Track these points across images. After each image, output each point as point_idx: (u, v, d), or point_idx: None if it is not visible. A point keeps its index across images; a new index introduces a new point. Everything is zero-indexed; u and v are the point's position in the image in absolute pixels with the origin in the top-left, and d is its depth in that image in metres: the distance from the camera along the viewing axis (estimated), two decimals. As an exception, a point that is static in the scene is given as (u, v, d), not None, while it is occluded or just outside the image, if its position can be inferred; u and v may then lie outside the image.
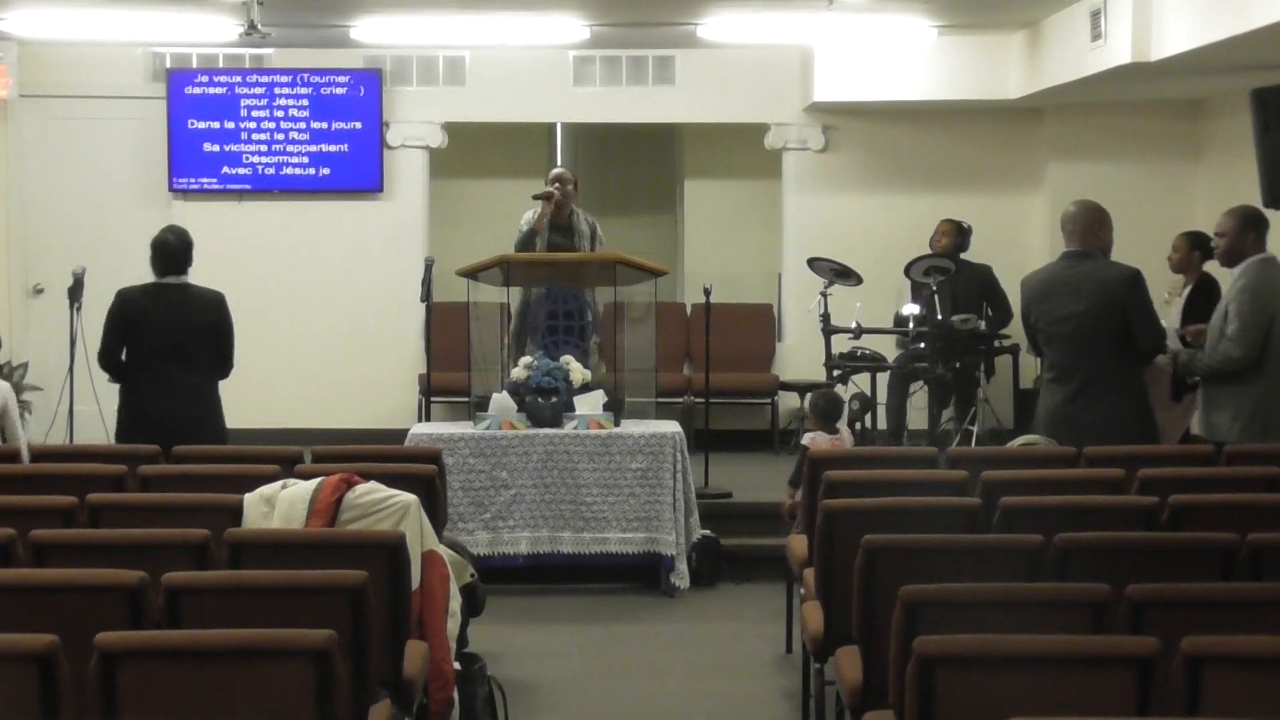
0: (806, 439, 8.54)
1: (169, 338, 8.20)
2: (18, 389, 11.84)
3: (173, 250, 8.36)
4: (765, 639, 8.10)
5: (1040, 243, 12.11)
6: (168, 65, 12.50)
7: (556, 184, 10.14)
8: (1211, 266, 8.83)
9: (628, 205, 14.30)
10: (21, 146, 12.49)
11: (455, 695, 5.91)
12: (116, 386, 8.44)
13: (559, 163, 13.99)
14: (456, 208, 13.52)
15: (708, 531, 9.31)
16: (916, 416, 11.06)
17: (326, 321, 12.59)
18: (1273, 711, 3.87)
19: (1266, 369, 7.61)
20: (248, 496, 5.84)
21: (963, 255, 11.50)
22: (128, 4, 10.53)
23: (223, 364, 8.42)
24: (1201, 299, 8.96)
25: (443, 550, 5.97)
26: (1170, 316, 9.09)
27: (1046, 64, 11.15)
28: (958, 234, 11.52)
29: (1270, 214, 9.08)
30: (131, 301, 8.32)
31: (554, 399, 9.13)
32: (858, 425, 10.42)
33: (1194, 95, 11.96)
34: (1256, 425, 7.60)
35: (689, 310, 12.73)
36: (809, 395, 9.85)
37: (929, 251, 11.23)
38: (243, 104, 12.47)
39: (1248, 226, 7.78)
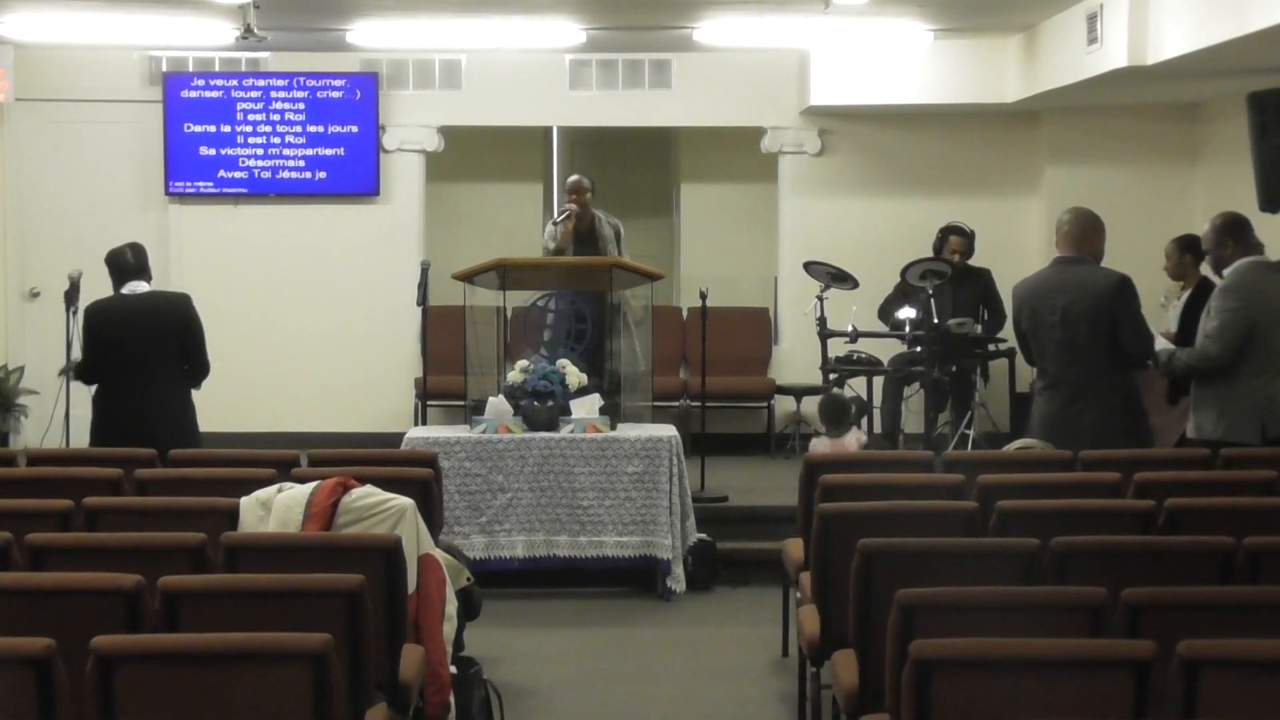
0: (812, 445, 8.66)
1: (138, 345, 8.30)
2: (14, 393, 11.87)
3: (128, 261, 8.50)
4: (761, 643, 8.09)
5: (1037, 247, 12.11)
6: (164, 69, 12.49)
7: (574, 196, 10.18)
8: (1207, 269, 8.85)
9: (624, 209, 14.20)
10: (18, 150, 12.48)
11: (451, 699, 5.91)
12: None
13: (555, 167, 14.02)
14: (453, 211, 13.51)
15: (704, 535, 9.30)
16: (913, 420, 11.06)
17: (322, 325, 12.58)
18: (1270, 715, 3.88)
19: (1251, 369, 7.63)
20: (244, 500, 5.84)
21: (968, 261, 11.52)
22: (124, 7, 10.52)
23: (196, 367, 8.48)
24: (1200, 303, 8.97)
25: (439, 554, 5.97)
26: (1168, 320, 9.10)
27: (1043, 68, 11.15)
28: (968, 245, 11.49)
29: (1272, 218, 9.14)
30: (101, 313, 8.47)
31: (550, 403, 9.13)
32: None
33: (1191, 99, 11.96)
34: (1241, 425, 7.61)
35: (685, 314, 12.73)
36: (819, 399, 9.89)
37: (929, 255, 11.21)
38: (239, 107, 12.47)
39: (1224, 235, 7.84)
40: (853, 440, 9.14)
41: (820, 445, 9.17)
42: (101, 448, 7.90)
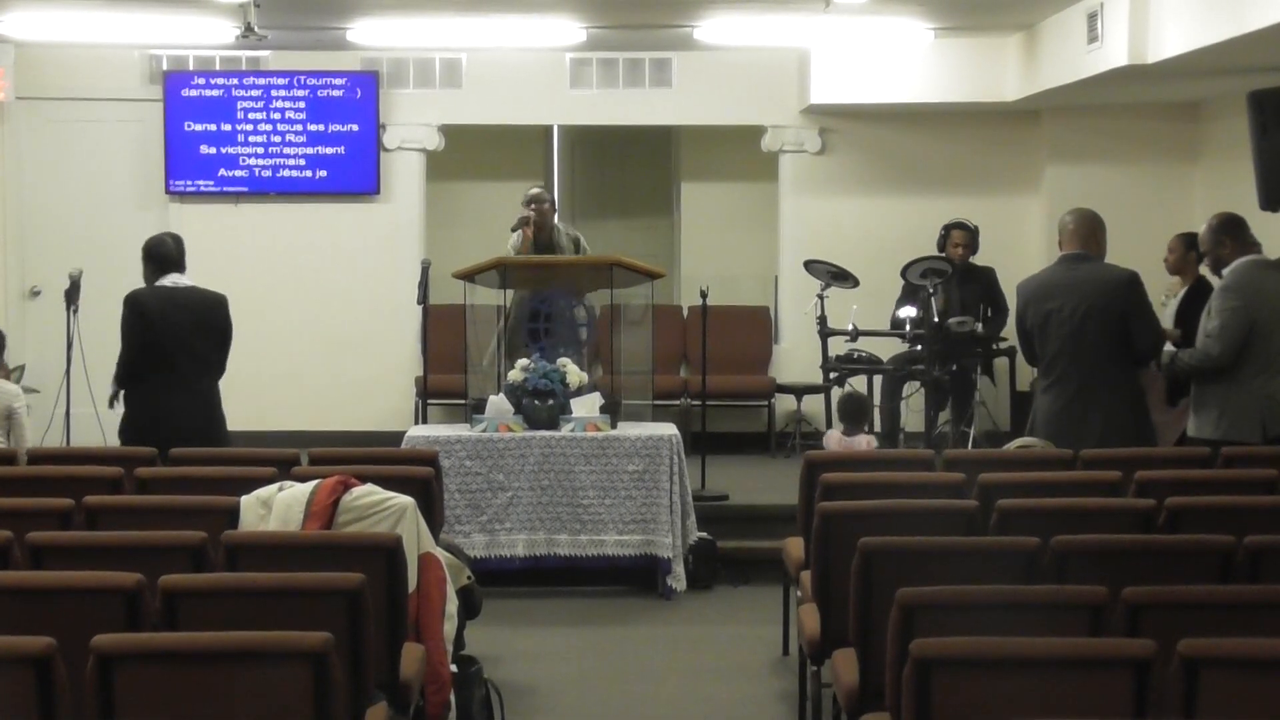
0: (825, 438, 8.65)
1: (181, 340, 8.20)
2: (14, 391, 11.85)
3: (170, 251, 8.35)
4: (762, 641, 8.09)
5: (1037, 246, 12.11)
6: (164, 67, 12.48)
7: (533, 205, 10.17)
8: (1205, 269, 8.86)
9: (624, 208, 14.30)
10: (18, 149, 12.48)
11: (452, 698, 5.91)
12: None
13: (556, 166, 14.02)
14: (453, 210, 13.51)
15: (704, 534, 9.30)
16: (913, 419, 11.06)
17: (323, 324, 12.58)
18: (1269, 714, 3.88)
19: (1251, 368, 7.63)
20: (244, 499, 5.84)
21: (971, 259, 11.52)
22: (124, 6, 10.52)
23: (220, 367, 8.48)
24: (1196, 301, 8.97)
25: (439, 553, 5.98)
26: (1164, 319, 9.09)
27: (1043, 66, 11.15)
28: (972, 241, 11.50)
29: (1272, 216, 9.14)
30: (146, 304, 8.29)
31: (550, 401, 9.13)
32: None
33: (1191, 98, 11.96)
34: (1241, 424, 7.62)
35: (686, 313, 12.73)
36: (837, 396, 9.88)
37: (932, 253, 11.20)
38: (239, 106, 12.47)
39: (1221, 234, 7.88)
40: (863, 441, 9.12)
41: (832, 439, 9.15)
42: (132, 445, 7.77)
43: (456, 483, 8.88)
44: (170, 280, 8.32)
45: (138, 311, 8.28)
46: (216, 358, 8.40)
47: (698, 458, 10.00)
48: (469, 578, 6.58)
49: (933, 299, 10.37)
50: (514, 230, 10.23)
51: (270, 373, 12.48)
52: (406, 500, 5.76)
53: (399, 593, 5.24)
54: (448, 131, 12.76)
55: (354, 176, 12.54)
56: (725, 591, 9.24)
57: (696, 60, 12.54)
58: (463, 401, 10.05)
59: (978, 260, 11.62)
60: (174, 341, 8.21)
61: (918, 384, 10.86)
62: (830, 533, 5.71)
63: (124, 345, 8.32)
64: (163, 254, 8.34)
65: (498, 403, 9.17)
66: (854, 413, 9.19)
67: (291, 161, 12.51)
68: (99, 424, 10.24)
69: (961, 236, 11.48)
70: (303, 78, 12.47)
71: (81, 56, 12.36)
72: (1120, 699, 3.98)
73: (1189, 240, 9.36)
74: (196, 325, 8.28)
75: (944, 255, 11.23)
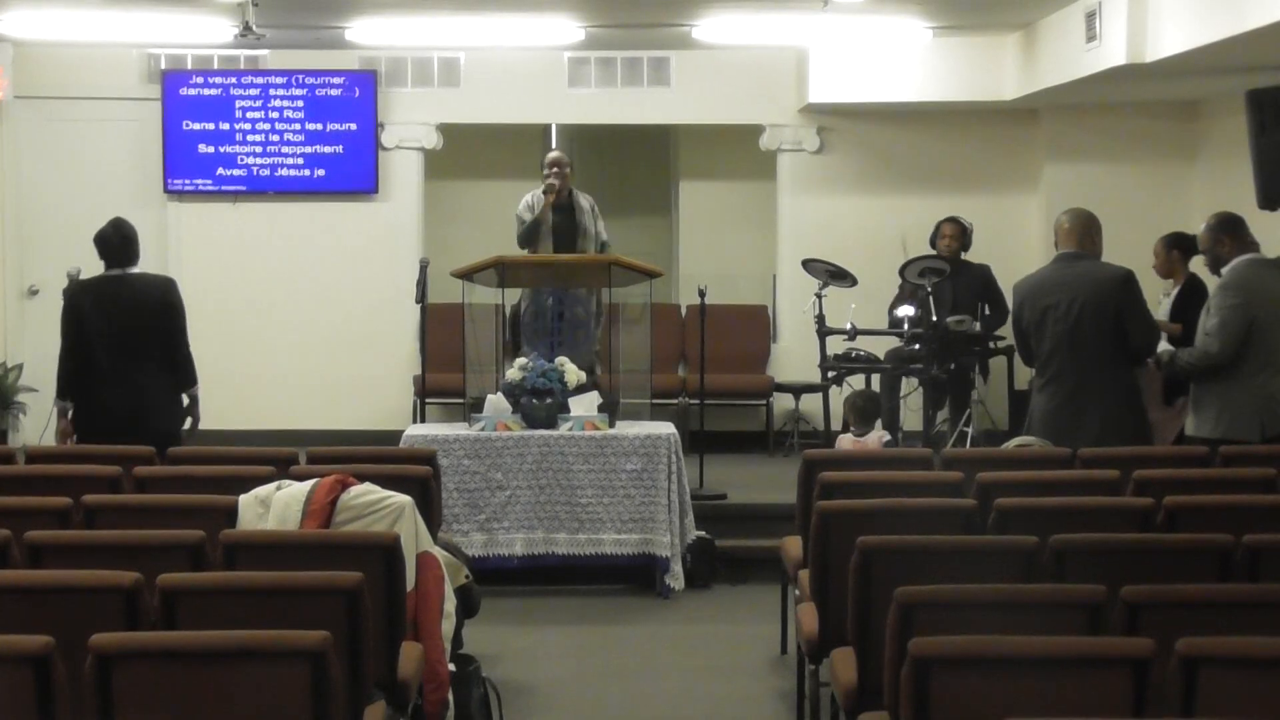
0: (838, 441, 8.65)
1: (115, 328, 8.02)
2: (13, 390, 11.86)
3: (111, 242, 8.21)
4: (760, 640, 8.10)
5: (1036, 244, 12.11)
6: (163, 66, 12.48)
7: (554, 169, 10.28)
8: (1198, 266, 8.87)
9: (623, 206, 14.27)
10: (17, 148, 12.47)
11: (450, 696, 5.91)
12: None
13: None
14: (451, 209, 13.51)
15: (702, 533, 9.31)
16: (911, 417, 11.06)
17: (321, 323, 12.58)
18: (1268, 712, 3.88)
19: (1250, 366, 7.64)
20: (243, 498, 5.84)
21: (963, 255, 11.50)
22: (123, 5, 10.51)
23: (176, 361, 8.13)
24: (1188, 300, 8.98)
25: (438, 552, 5.98)
26: (1158, 319, 9.11)
27: (1042, 65, 11.15)
28: (962, 235, 11.50)
29: (1270, 215, 9.14)
30: (77, 296, 8.21)
31: (549, 400, 9.13)
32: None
33: (1190, 96, 11.96)
34: (1240, 423, 7.62)
35: (684, 311, 12.73)
36: (848, 395, 9.85)
37: (930, 252, 11.20)
38: (238, 105, 12.46)
39: (1220, 233, 7.89)
40: (875, 439, 9.09)
41: (845, 441, 9.11)
42: (87, 438, 7.80)
43: (455, 481, 8.88)
44: (114, 274, 8.17)
45: (66, 306, 8.22)
46: (159, 345, 8.06)
47: (696, 456, 10.00)
48: (467, 576, 6.58)
49: (930, 298, 10.37)
50: (544, 193, 10.34)
51: (268, 371, 12.49)
52: (404, 499, 5.76)
53: (397, 591, 5.24)
54: (446, 130, 12.76)
55: (352, 175, 12.54)
56: (723, 590, 9.24)
57: (695, 59, 12.54)
58: (461, 400, 10.05)
59: (974, 258, 11.61)
60: (98, 335, 8.02)
61: (916, 383, 10.86)
62: (829, 531, 5.71)
63: (61, 343, 8.24)
64: (104, 247, 8.20)
65: (496, 401, 9.17)
66: (868, 411, 9.14)
67: (290, 160, 12.51)
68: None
69: (951, 229, 11.47)
70: (301, 77, 12.47)
71: (80, 55, 12.36)
72: (1119, 698, 3.98)
73: (1171, 241, 9.39)
74: (128, 316, 8.03)
75: (938, 253, 11.20)
